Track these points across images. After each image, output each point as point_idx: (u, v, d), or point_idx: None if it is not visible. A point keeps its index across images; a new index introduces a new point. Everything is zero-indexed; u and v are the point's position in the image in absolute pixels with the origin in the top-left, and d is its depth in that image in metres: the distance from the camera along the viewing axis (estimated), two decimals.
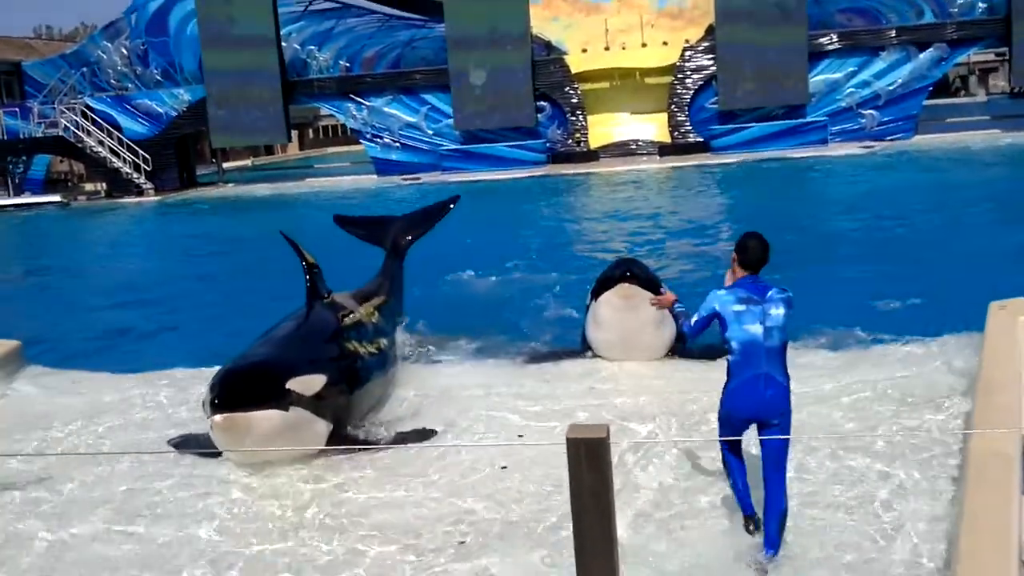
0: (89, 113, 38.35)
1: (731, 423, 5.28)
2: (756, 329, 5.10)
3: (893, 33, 34.46)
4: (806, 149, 33.60)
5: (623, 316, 8.80)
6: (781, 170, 29.54)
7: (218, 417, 6.54)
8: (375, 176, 37.58)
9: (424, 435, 7.41)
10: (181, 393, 8.98)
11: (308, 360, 7.33)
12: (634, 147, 36.77)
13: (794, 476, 5.77)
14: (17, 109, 39.24)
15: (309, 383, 6.98)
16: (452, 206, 11.43)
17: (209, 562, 5.54)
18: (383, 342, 8.68)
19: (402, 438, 7.36)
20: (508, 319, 11.46)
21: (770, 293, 5.17)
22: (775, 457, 5.11)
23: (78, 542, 5.92)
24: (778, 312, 5.12)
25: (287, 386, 6.80)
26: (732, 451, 5.41)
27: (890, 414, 7.04)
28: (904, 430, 6.63)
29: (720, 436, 5.41)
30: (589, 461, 2.57)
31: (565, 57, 36.74)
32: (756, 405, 5.10)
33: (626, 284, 8.68)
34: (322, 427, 7.02)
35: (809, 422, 6.78)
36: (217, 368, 7.21)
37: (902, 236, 16.58)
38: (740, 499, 5.45)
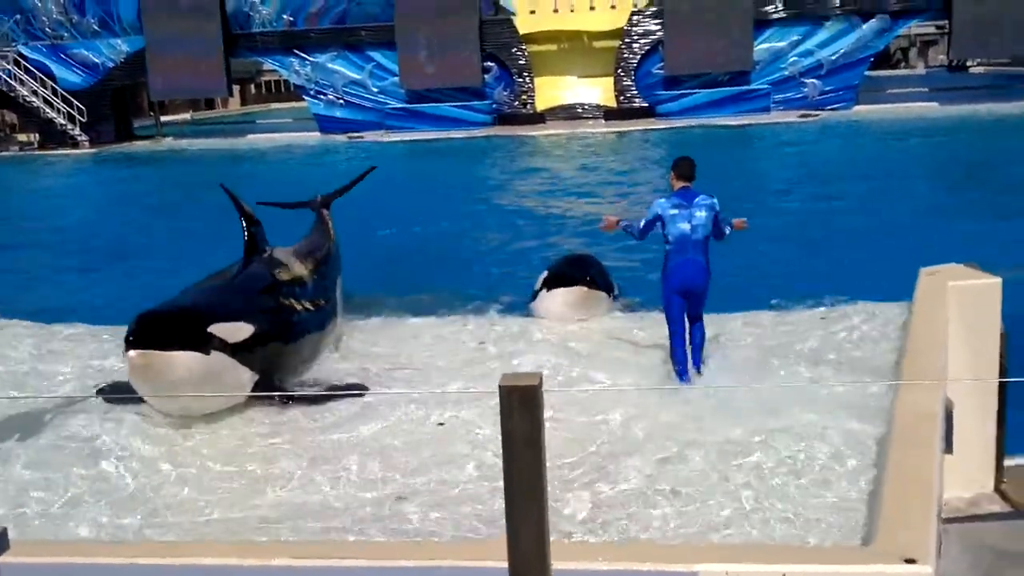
0: (22, 62, 37.07)
1: (670, 293, 7.21)
2: (685, 227, 7.12)
3: (837, 3, 34.83)
4: (749, 116, 33.96)
5: (575, 312, 9.08)
6: (723, 137, 29.84)
7: (133, 353, 6.34)
8: (318, 133, 37.06)
9: (356, 388, 7.41)
10: (105, 345, 8.87)
11: (236, 309, 7.21)
12: (580, 111, 36.77)
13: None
14: None
15: (234, 331, 6.87)
16: (367, 174, 11.18)
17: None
18: (320, 298, 8.62)
19: (332, 390, 7.35)
20: (449, 277, 11.48)
21: (697, 199, 7.15)
22: (696, 313, 7.29)
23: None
24: (701, 214, 7.11)
25: (209, 330, 6.65)
26: (675, 323, 7.25)
27: (825, 373, 7.25)
28: (837, 387, 6.83)
29: (665, 307, 7.33)
30: (521, 409, 2.60)
31: (513, 18, 36.47)
32: (685, 279, 7.16)
33: (584, 288, 9.04)
34: (247, 376, 6.91)
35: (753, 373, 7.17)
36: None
37: (840, 204, 16.91)
38: (676, 360, 7.27)
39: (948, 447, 4.91)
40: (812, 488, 5.38)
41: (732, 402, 6.68)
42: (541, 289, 9.28)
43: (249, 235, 8.35)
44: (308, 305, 8.26)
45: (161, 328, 6.49)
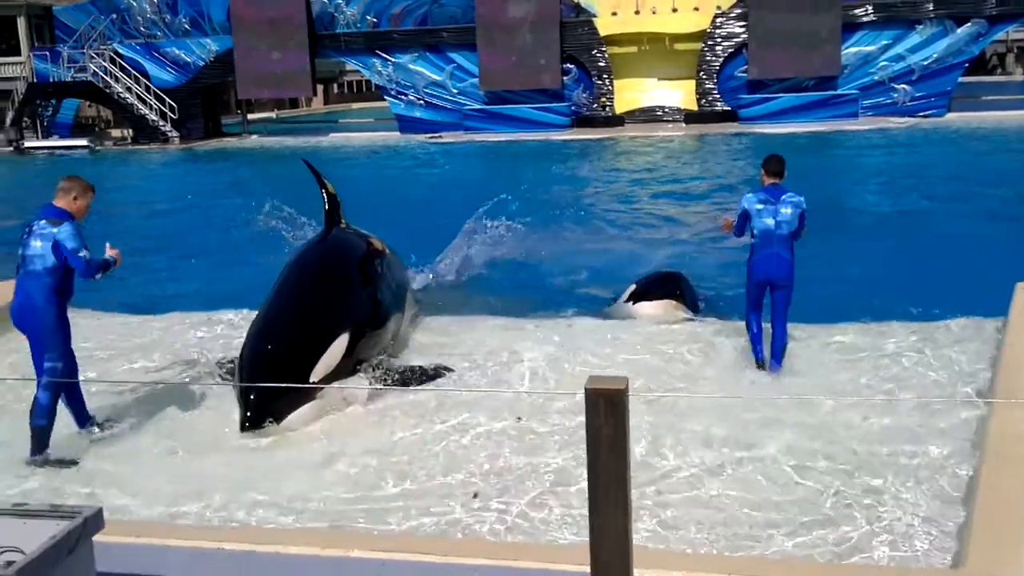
0: (118, 59, 38.40)
1: (752, 284, 7.59)
2: (770, 222, 7.47)
3: (931, 6, 33.84)
4: (835, 122, 33.22)
5: (662, 319, 9.21)
6: (809, 143, 29.23)
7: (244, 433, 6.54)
8: (398, 133, 37.52)
9: (434, 376, 7.58)
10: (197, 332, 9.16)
11: (332, 321, 7.34)
12: (660, 114, 36.46)
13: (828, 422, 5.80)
14: (47, 53, 39.39)
15: (332, 357, 7.04)
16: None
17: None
18: (401, 276, 8.80)
19: (415, 377, 7.51)
20: (527, 277, 11.51)
21: (784, 197, 7.50)
22: (780, 309, 7.53)
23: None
24: (787, 211, 7.46)
25: (312, 379, 6.83)
26: (754, 309, 7.67)
27: (917, 386, 7.06)
28: (929, 401, 6.65)
29: (747, 296, 7.70)
30: (607, 412, 2.60)
31: (594, 20, 36.36)
32: (768, 272, 7.51)
33: (674, 302, 9.19)
34: (351, 383, 7.16)
35: (841, 387, 7.03)
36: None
37: (930, 215, 16.42)
38: (754, 345, 7.67)
39: None
40: (901, 506, 5.23)
41: (817, 412, 6.56)
42: (628, 300, 9.38)
43: (329, 208, 8.66)
44: (393, 286, 8.45)
45: (270, 402, 6.58)
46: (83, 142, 37.96)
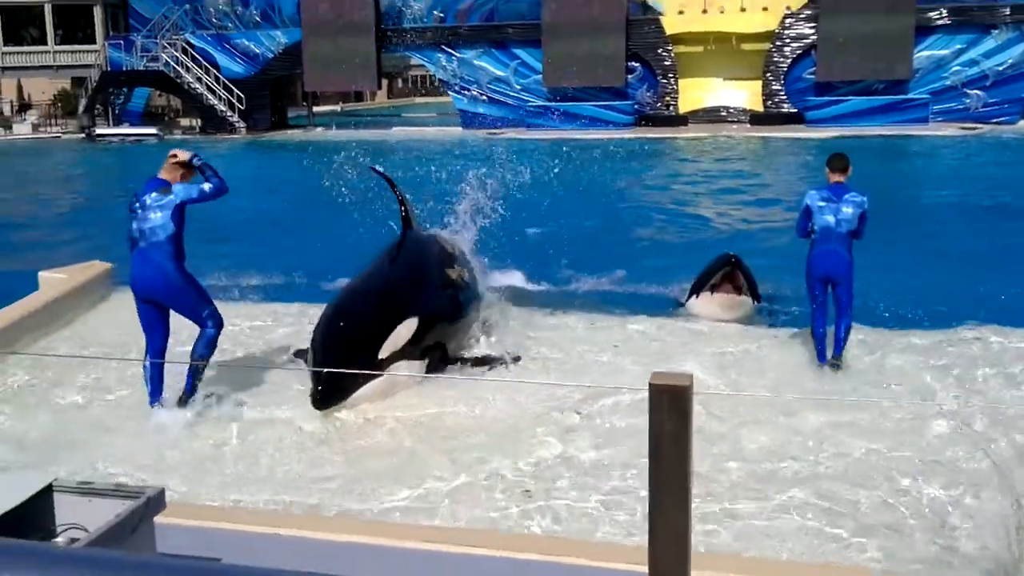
0: (189, 50, 39.17)
1: (812, 280, 7.68)
2: (830, 219, 7.54)
3: (1007, 11, 32.90)
4: (905, 127, 32.50)
5: (728, 314, 9.31)
6: (878, 147, 28.61)
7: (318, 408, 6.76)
8: (460, 128, 37.66)
9: (497, 362, 7.78)
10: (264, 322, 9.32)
11: (401, 305, 7.52)
12: (724, 114, 36.05)
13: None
14: (121, 42, 40.35)
15: (399, 338, 7.20)
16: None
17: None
18: (471, 277, 8.92)
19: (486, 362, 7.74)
20: (591, 274, 11.49)
21: (846, 196, 7.55)
22: (844, 305, 7.60)
23: None
24: (848, 210, 7.51)
25: (380, 357, 7.02)
26: (818, 307, 7.69)
27: (973, 398, 6.89)
28: (992, 404, 6.53)
29: (808, 290, 7.77)
30: (671, 409, 2.56)
31: (661, 18, 36.08)
32: (828, 268, 7.59)
33: (738, 296, 9.24)
34: (416, 366, 7.33)
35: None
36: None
37: (1000, 224, 15.98)
38: (817, 344, 7.69)
39: None
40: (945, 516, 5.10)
41: (868, 414, 6.47)
42: (697, 289, 9.44)
43: (405, 212, 8.83)
44: (465, 281, 8.61)
45: (338, 379, 6.74)
46: (152, 130, 38.81)
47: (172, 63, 38.62)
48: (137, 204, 6.73)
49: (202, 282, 7.15)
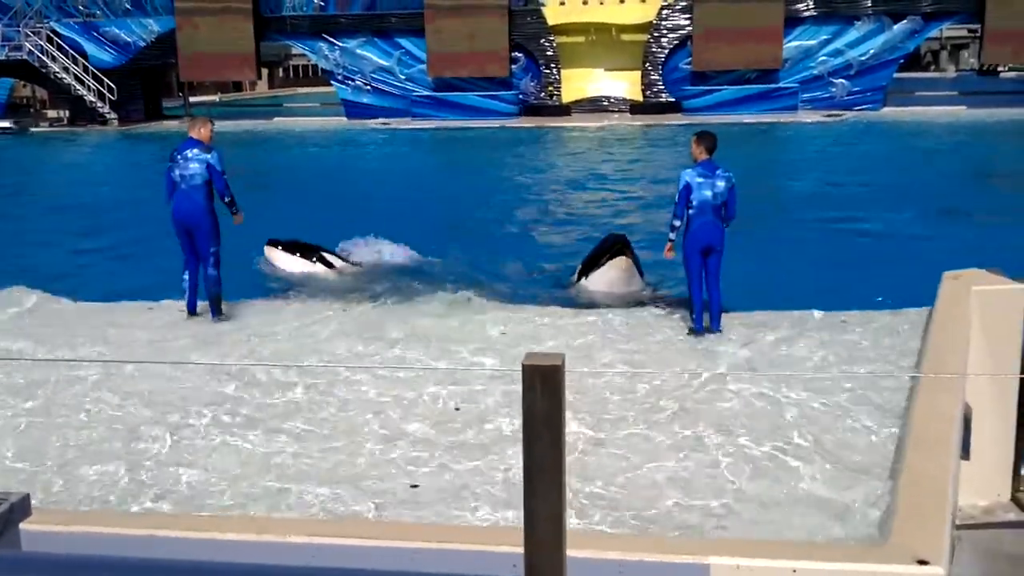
0: (55, 38, 37.39)
1: (692, 252, 8.27)
2: (708, 194, 8.24)
3: (869, 3, 34.49)
4: (776, 115, 33.74)
5: (622, 284, 9.94)
6: (749, 134, 29.64)
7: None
8: (344, 119, 37.17)
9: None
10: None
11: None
12: (606, 104, 36.67)
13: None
14: None
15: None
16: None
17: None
18: None
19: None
20: (474, 263, 11.53)
21: (718, 172, 8.30)
22: (715, 274, 8.33)
23: None
24: (721, 184, 8.24)
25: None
26: (696, 280, 8.31)
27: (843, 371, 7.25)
28: (857, 387, 6.84)
29: (685, 263, 8.38)
30: (543, 388, 2.61)
31: (543, 9, 36.39)
32: (707, 238, 8.26)
33: (630, 261, 9.98)
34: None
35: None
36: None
37: (864, 206, 16.78)
38: (697, 315, 8.35)
39: (965, 453, 4.89)
40: (823, 480, 5.38)
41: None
42: (589, 268, 9.99)
43: None
44: None
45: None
46: (6, 124, 36.91)
47: (36, 52, 36.80)
48: (179, 156, 8.75)
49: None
